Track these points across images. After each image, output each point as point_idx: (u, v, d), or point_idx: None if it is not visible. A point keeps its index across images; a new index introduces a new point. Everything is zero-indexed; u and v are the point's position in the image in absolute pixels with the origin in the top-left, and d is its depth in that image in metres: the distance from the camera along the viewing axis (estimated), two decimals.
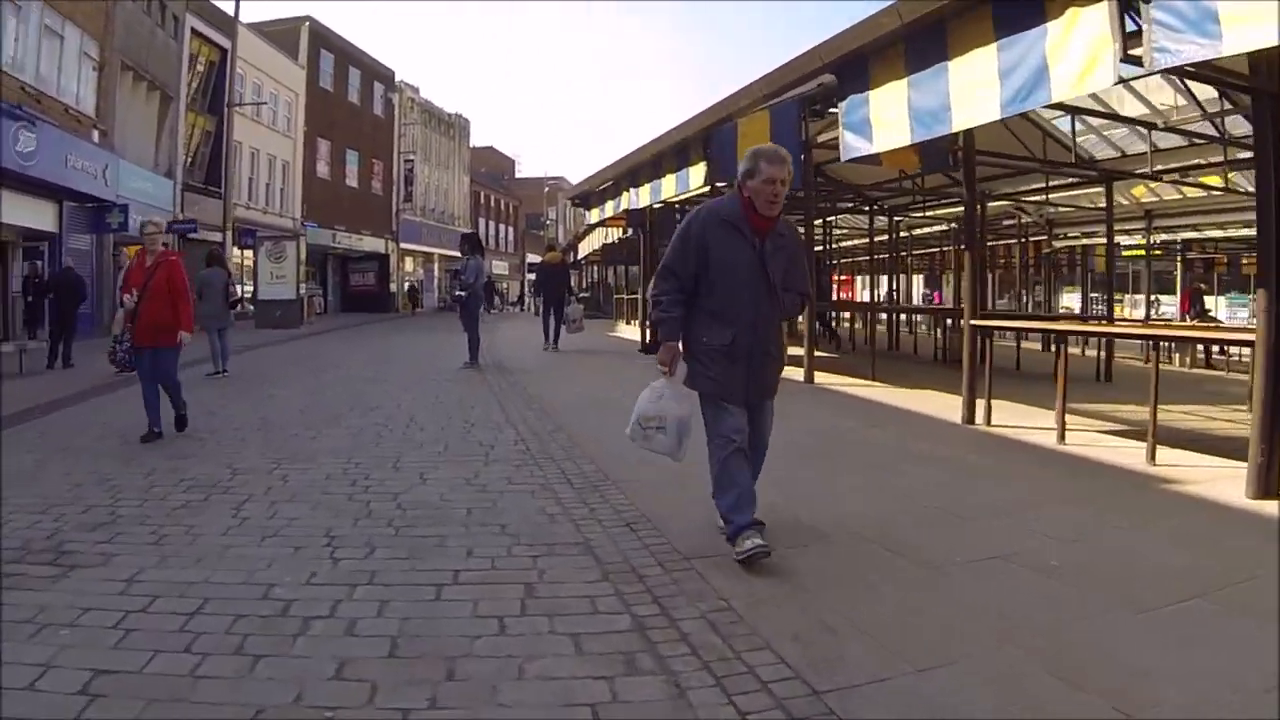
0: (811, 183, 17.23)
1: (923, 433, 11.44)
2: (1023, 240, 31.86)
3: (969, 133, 12.19)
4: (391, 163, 67.04)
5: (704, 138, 17.20)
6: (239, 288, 18.35)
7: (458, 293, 19.43)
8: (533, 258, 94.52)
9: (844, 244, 39.52)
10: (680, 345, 6.56)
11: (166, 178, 38.67)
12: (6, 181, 25.83)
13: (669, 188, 19.14)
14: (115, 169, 32.06)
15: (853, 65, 12.84)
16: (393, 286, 65.99)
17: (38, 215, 28.63)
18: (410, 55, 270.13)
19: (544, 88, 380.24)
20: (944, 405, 13.17)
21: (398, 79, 68.39)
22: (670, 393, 6.57)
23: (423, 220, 71.49)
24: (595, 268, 60.61)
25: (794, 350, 18.39)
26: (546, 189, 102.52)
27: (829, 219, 30.07)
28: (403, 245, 67.95)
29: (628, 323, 40.34)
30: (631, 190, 21.33)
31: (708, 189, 18.04)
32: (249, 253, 43.38)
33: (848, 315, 34.65)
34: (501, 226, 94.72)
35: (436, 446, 10.63)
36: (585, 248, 45.46)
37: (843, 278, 48.59)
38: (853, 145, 12.94)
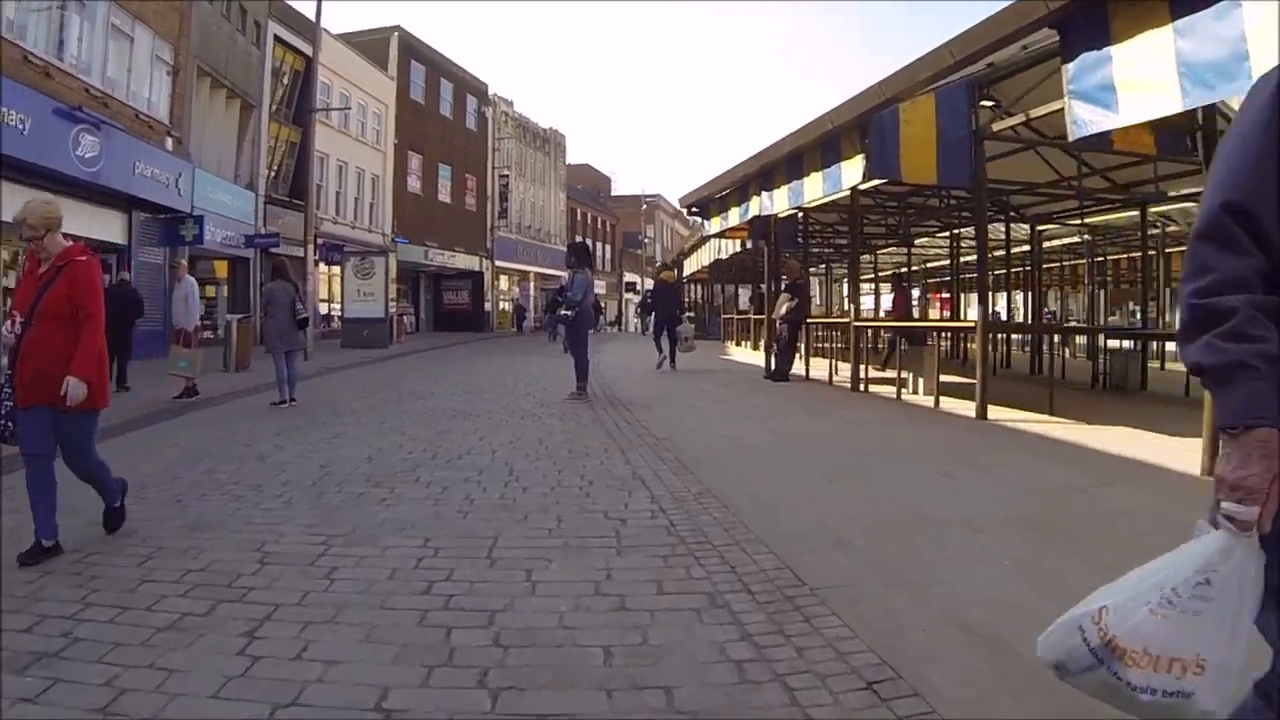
0: (983, 183, 14.07)
1: (1174, 493, 7.97)
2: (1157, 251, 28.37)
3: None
4: (486, 178, 64.96)
5: (860, 125, 14.00)
6: (306, 305, 15.25)
7: (563, 311, 16.42)
8: (630, 277, 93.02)
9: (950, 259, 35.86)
10: None
11: (248, 189, 36.75)
12: (68, 188, 23.63)
13: (813, 189, 15.91)
14: (190, 178, 29.90)
15: (1085, 15, 9.56)
16: (487, 305, 64.01)
17: (104, 225, 26.46)
18: (502, 69, 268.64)
19: (640, 103, 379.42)
20: (1164, 450, 10.14)
21: (491, 92, 66.34)
22: (1236, 571, 2.17)
23: (518, 238, 69.29)
24: (700, 286, 57.51)
25: (950, 377, 15.42)
26: (644, 206, 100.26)
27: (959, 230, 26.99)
28: (498, 263, 65.86)
29: (738, 344, 37.54)
30: (764, 194, 18.16)
31: (866, 184, 14.97)
32: (335, 269, 41.49)
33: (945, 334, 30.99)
34: (598, 244, 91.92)
35: (546, 520, 7.48)
36: (690, 265, 42.62)
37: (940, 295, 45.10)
38: (1086, 119, 9.55)
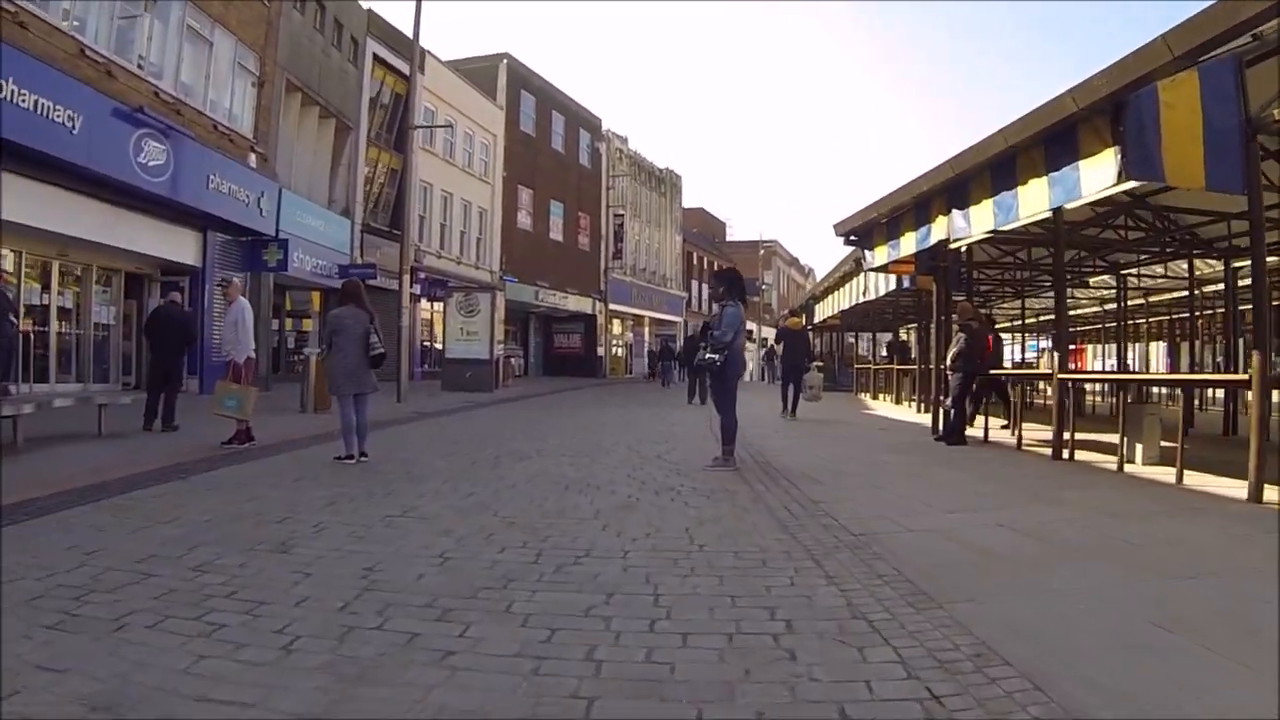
0: (1259, 190, 10.33)
1: None
2: None
3: None
4: (599, 217, 62.00)
5: (1111, 109, 10.11)
6: (381, 337, 11.79)
7: (708, 355, 12.31)
8: (748, 324, 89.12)
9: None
10: None
11: (343, 216, 34.14)
12: (127, 198, 21.22)
13: (1035, 200, 11.74)
14: (274, 199, 27.04)
15: None
16: (599, 349, 60.97)
17: (175, 244, 23.80)
18: (615, 106, 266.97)
19: (757, 147, 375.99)
20: None
21: (605, 128, 63.56)
22: None
23: (633, 280, 66.06)
24: (832, 335, 53.29)
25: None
26: (762, 252, 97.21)
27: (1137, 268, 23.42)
28: (611, 306, 62.63)
29: (875, 396, 33.62)
30: (954, 214, 14.12)
31: (1118, 189, 10.88)
32: (438, 306, 38.63)
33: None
34: None
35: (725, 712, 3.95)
36: (821, 311, 38.92)
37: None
38: None
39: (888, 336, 48.91)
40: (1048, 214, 12.35)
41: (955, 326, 16.35)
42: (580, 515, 8.47)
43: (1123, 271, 23.62)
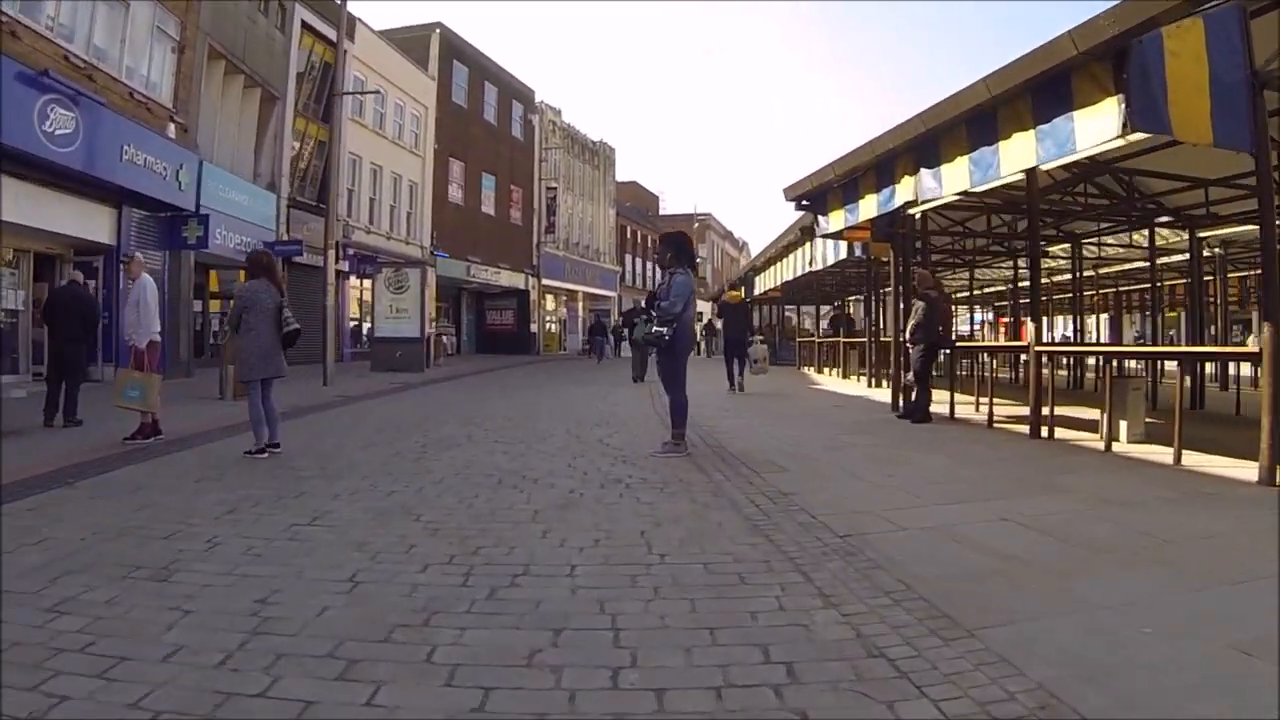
0: (1267, 148, 9.63)
1: None
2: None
3: None
4: (532, 190, 60.98)
5: (1113, 55, 9.25)
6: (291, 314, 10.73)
7: (654, 328, 11.27)
8: None
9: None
10: None
11: (269, 191, 32.81)
12: (35, 171, 19.88)
13: (1020, 155, 10.79)
14: (194, 171, 25.74)
15: None
16: (533, 326, 60.02)
17: (87, 221, 22.47)
18: (548, 78, 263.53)
19: (689, 121, 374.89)
20: None
21: (538, 100, 62.49)
22: None
23: (566, 255, 65.13)
24: (772, 308, 52.31)
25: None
26: (696, 225, 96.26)
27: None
28: (544, 281, 61.68)
29: (820, 370, 33.19)
30: (923, 173, 13.21)
31: (1121, 141, 10.00)
32: (369, 283, 37.67)
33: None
34: (649, 265, 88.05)
35: None
36: (761, 283, 38.09)
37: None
38: None
39: (827, 309, 48.22)
40: (1020, 176, 11.66)
41: (915, 297, 15.61)
42: (516, 517, 7.65)
43: (1082, 241, 23.03)
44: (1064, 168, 14.17)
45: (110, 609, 5.04)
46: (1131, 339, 41.47)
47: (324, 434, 13.81)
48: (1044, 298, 37.98)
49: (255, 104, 32.04)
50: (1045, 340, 16.50)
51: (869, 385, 24.02)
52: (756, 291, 39.74)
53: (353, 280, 39.39)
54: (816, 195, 17.45)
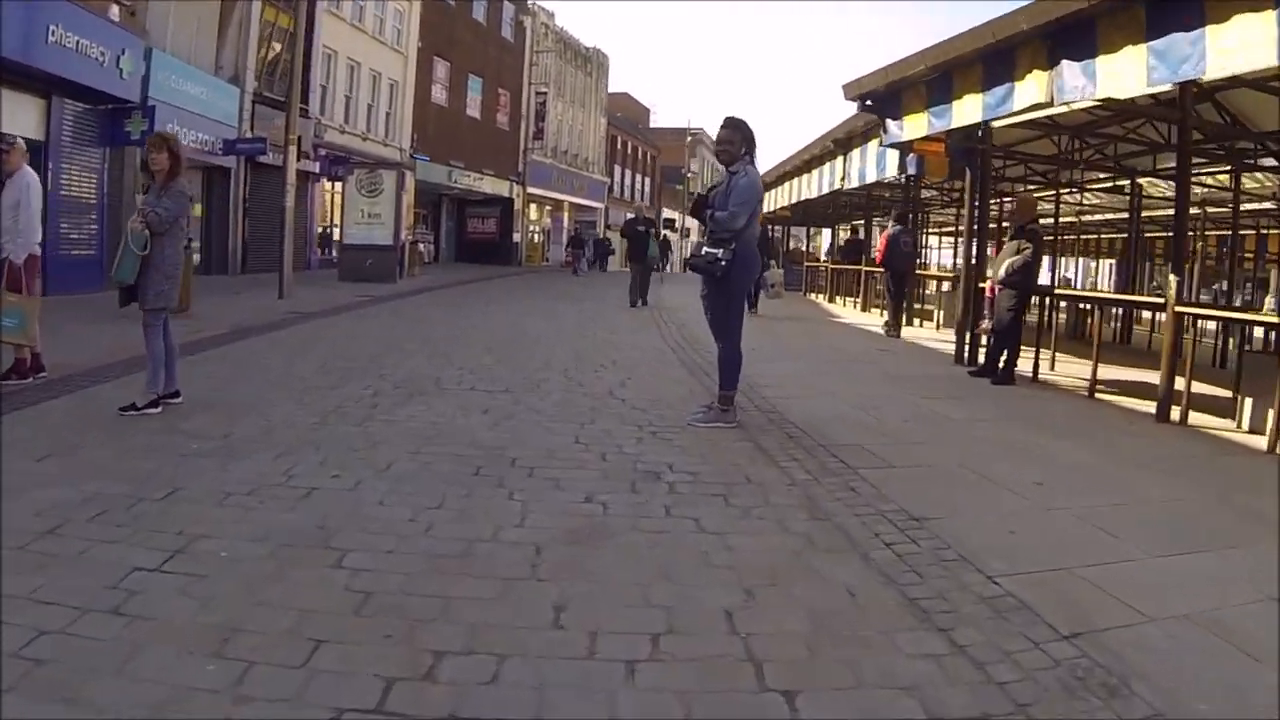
0: None
1: None
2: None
3: None
4: (520, 95, 57.36)
5: None
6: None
7: (706, 250, 8.17)
8: (669, 213, 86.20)
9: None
10: None
11: (232, 84, 29.36)
12: None
13: (1250, 40, 7.85)
14: (139, 58, 22.36)
15: None
16: (516, 236, 57.01)
17: (8, 114, 19.03)
18: None
19: (682, 32, 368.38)
20: None
21: (530, 1, 58.80)
22: None
23: (553, 163, 61.52)
24: (782, 227, 48.46)
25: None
26: (689, 139, 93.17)
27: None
28: (530, 190, 58.30)
29: (832, 300, 30.27)
30: (1066, 66, 10.15)
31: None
32: (339, 186, 34.12)
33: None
34: (638, 177, 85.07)
35: None
36: (770, 201, 35.05)
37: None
38: None
39: (826, 232, 45.35)
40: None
41: (1008, 229, 12.86)
42: (502, 565, 4.79)
43: (1139, 178, 19.97)
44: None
45: None
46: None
47: (251, 370, 10.97)
48: (1081, 238, 35.28)
49: None
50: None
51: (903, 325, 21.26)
52: (764, 210, 36.72)
53: (324, 183, 36.43)
54: (888, 94, 14.31)
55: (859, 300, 26.94)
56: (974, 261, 14.46)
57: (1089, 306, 19.49)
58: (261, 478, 6.07)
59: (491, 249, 54.07)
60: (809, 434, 8.10)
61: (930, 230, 37.93)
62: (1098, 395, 11.57)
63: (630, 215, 25.70)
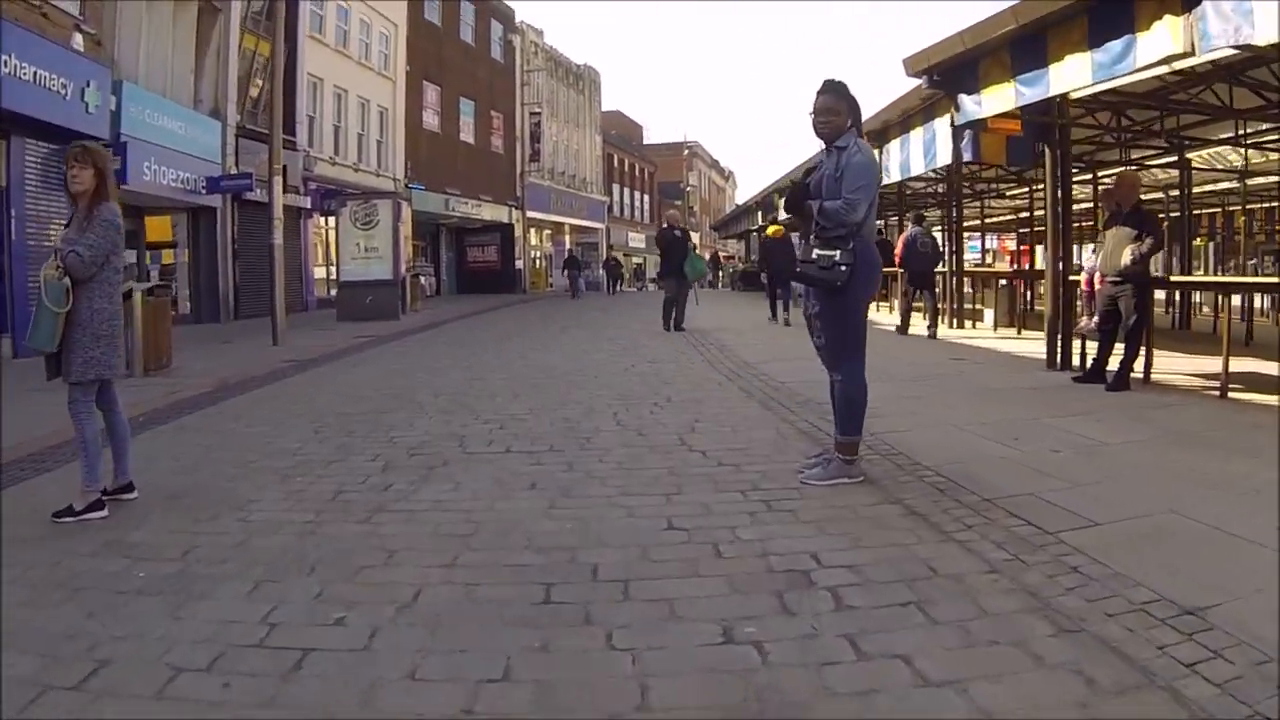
0: None
1: None
2: None
3: None
4: (514, 116, 55.75)
5: None
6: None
7: (818, 253, 6.23)
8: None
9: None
10: None
11: (212, 118, 27.53)
12: None
13: None
14: (105, 89, 20.50)
15: None
16: (518, 263, 55.15)
17: None
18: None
19: (672, 48, 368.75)
20: None
21: (518, 19, 57.26)
22: None
23: (551, 185, 59.83)
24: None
25: None
26: (685, 153, 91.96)
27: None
28: (529, 214, 56.54)
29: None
30: (1211, 6, 8.29)
31: None
32: (333, 221, 31.99)
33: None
34: (636, 194, 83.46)
35: None
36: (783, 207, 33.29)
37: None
38: None
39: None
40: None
41: (1103, 211, 11.08)
42: None
43: (1189, 153, 18.47)
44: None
45: None
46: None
47: (233, 441, 8.83)
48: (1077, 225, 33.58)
49: (192, 15, 26.69)
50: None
51: (948, 324, 20.17)
52: (782, 215, 34.98)
53: (317, 219, 34.61)
54: (961, 66, 12.22)
55: (889, 304, 25.51)
56: (1060, 254, 12.62)
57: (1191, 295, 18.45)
58: (229, 632, 4.01)
59: (494, 278, 52.55)
60: (960, 483, 6.15)
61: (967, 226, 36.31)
62: (1230, 395, 9.77)
63: (664, 223, 23.46)
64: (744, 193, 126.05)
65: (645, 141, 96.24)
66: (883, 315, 23.28)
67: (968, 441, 7.65)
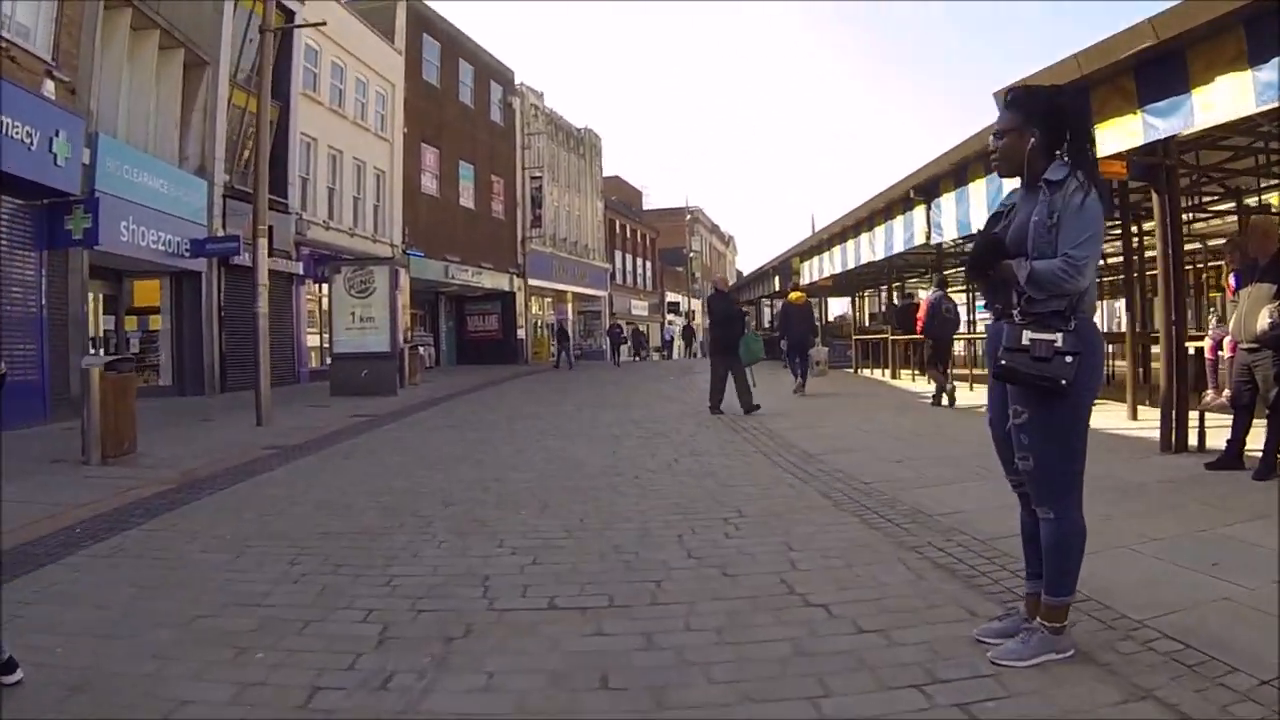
0: None
1: None
2: None
3: None
4: (514, 181, 54.43)
5: None
6: None
7: (1031, 337, 4.23)
8: (672, 297, 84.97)
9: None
10: None
11: (198, 176, 25.96)
12: None
13: None
14: (78, 140, 18.89)
15: None
16: (520, 332, 53.52)
17: None
18: (524, 58, 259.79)
19: (670, 114, 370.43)
20: None
21: (518, 81, 56.12)
22: None
23: (553, 252, 58.32)
24: (821, 299, 44.05)
25: None
26: (688, 218, 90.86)
27: None
28: (530, 281, 55.00)
29: (894, 375, 26.95)
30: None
31: None
32: (327, 288, 30.17)
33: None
34: (638, 260, 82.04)
35: None
36: (809, 272, 32.07)
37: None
38: None
39: (868, 302, 43.43)
40: None
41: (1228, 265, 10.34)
42: None
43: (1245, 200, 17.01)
44: None
45: None
46: None
47: (179, 577, 6.50)
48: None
49: (178, 69, 25.19)
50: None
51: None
52: (804, 280, 33.37)
53: (310, 285, 32.96)
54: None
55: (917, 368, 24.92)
56: (1174, 314, 10.82)
57: None
58: None
59: (494, 348, 50.90)
60: (1204, 651, 4.24)
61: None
62: None
63: (714, 287, 21.03)
64: (744, 258, 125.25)
65: (645, 207, 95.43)
66: (907, 383, 21.37)
67: (1160, 572, 5.65)
